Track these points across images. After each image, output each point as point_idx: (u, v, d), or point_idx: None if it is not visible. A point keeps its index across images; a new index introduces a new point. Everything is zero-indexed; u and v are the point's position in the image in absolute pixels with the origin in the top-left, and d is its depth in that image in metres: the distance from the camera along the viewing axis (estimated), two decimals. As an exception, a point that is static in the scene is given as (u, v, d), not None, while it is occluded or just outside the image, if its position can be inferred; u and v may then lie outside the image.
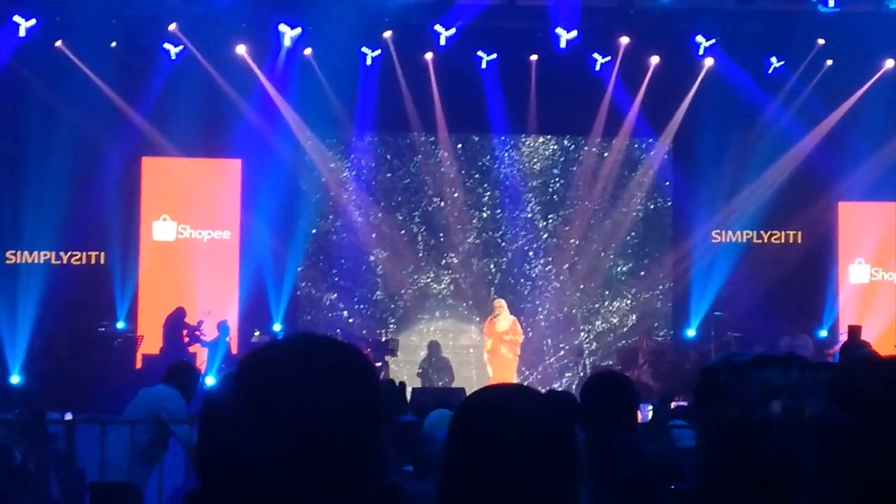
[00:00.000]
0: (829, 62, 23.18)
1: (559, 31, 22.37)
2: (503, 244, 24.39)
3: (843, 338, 21.97)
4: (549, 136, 24.58)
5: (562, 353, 24.09)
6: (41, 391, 19.14)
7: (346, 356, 2.22)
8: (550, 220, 24.43)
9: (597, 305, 24.40)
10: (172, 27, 22.23)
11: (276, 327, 22.78)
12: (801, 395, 2.65)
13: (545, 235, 24.40)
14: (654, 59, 23.37)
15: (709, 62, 23.23)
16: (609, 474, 5.79)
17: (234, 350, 21.84)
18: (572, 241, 24.30)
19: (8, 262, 22.60)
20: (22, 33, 21.73)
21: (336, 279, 24.03)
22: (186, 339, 21.27)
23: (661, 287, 24.50)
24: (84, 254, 22.87)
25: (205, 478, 2.18)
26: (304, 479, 2.07)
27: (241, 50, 22.76)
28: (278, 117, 23.32)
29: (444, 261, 24.27)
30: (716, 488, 2.99)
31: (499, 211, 24.44)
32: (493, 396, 2.86)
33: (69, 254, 22.80)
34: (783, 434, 2.67)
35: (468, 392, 4.03)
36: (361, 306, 24.04)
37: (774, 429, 2.80)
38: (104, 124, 22.39)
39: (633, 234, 24.56)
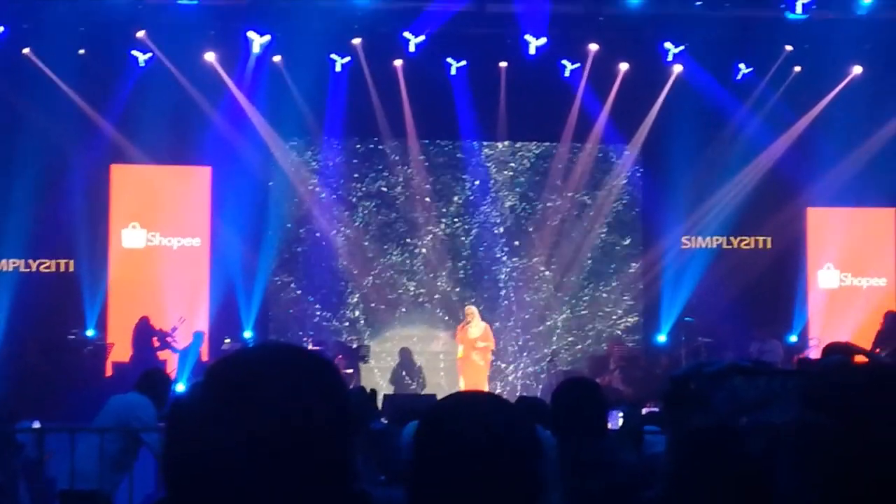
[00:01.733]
0: (798, 68, 23.27)
1: (528, 37, 22.39)
2: (473, 250, 24.39)
3: (813, 343, 22.11)
4: (518, 143, 24.61)
5: (532, 359, 24.10)
6: (10, 399, 19.03)
7: (313, 364, 2.23)
8: (519, 226, 24.45)
9: (567, 311, 24.43)
10: (141, 34, 22.16)
11: (247, 334, 22.73)
12: (770, 405, 2.66)
13: (515, 241, 24.43)
14: (623, 66, 23.42)
15: (677, 68, 23.29)
16: (580, 482, 5.80)
17: (205, 357, 21.77)
18: (542, 246, 24.33)
19: (-24, 270, 22.52)
20: (-10, 40, 21.66)
21: (307, 286, 24.00)
22: (157, 345, 21.19)
23: (631, 293, 24.54)
24: (53, 261, 22.78)
25: (172, 485, 2.18)
26: (272, 487, 2.07)
27: (209, 57, 22.72)
28: (247, 124, 23.29)
29: (414, 267, 24.27)
30: (684, 495, 3.00)
31: (468, 217, 24.46)
32: (462, 402, 2.86)
33: (38, 261, 22.71)
34: (753, 443, 2.68)
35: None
36: (332, 313, 24.01)
37: (744, 437, 2.80)
38: (72, 132, 22.31)
39: (602, 240, 24.59)
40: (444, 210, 24.42)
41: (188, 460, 2.11)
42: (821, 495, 2.21)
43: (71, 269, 22.77)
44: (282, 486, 2.08)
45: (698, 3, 21.66)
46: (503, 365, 23.65)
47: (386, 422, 12.11)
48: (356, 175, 24.36)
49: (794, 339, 23.30)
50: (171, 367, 20.94)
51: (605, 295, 24.49)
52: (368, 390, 10.89)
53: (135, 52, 22.35)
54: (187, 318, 21.85)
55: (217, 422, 2.09)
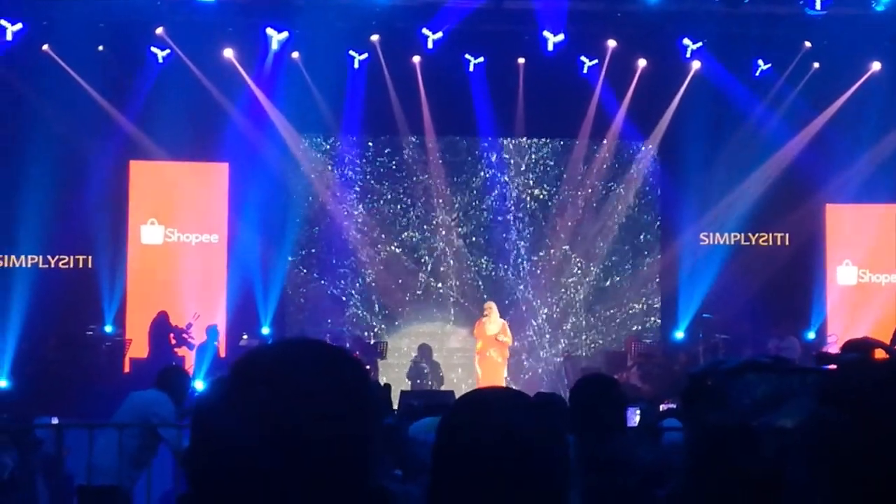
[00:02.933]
0: (816, 65, 23.22)
1: (546, 34, 22.38)
2: (491, 247, 24.39)
3: (831, 339, 22.06)
4: (536, 139, 24.60)
5: (551, 355, 24.10)
6: (29, 395, 19.12)
7: (338, 360, 2.22)
8: (538, 222, 24.44)
9: (585, 307, 24.41)
10: (159, 31, 22.20)
11: (265, 331, 22.74)
12: (786, 402, 2.65)
13: (533, 237, 24.41)
14: (642, 62, 23.39)
15: (696, 65, 23.25)
16: (599, 480, 5.79)
17: (223, 354, 21.81)
18: (560, 243, 24.32)
19: (-5, 265, 22.59)
20: (8, 37, 21.67)
21: (324, 282, 24.02)
22: (174, 342, 21.24)
23: (649, 289, 24.52)
24: (72, 258, 22.83)
25: (196, 482, 2.18)
26: (295, 483, 2.08)
27: (228, 53, 22.75)
28: (266, 121, 23.31)
29: (432, 263, 24.27)
30: (699, 492, 2.99)
31: (486, 214, 24.45)
32: (482, 400, 2.85)
33: (57, 258, 22.75)
34: (766, 444, 2.67)
35: (457, 395, 4.03)
36: (350, 309, 24.03)
37: (758, 438, 2.80)
38: (91, 128, 22.34)
39: (620, 236, 24.57)
40: (461, 206, 24.41)
41: (212, 457, 2.12)
42: (834, 491, 2.21)
43: (89, 265, 22.81)
44: (305, 482, 2.08)
45: (717, -1, 21.63)
46: (521, 361, 23.63)
47: (401, 418, 12.13)
48: (374, 171, 24.37)
49: (812, 335, 23.25)
50: (189, 363, 21.00)
51: (623, 291, 24.46)
52: (383, 384, 10.89)
53: (153, 49, 22.38)
54: (205, 315, 21.90)
55: (243, 418, 2.09)
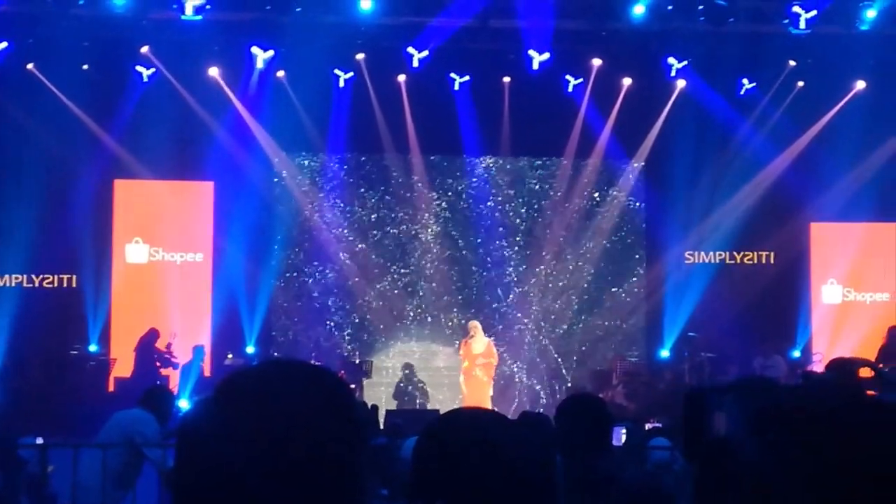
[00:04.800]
0: (801, 83, 23.28)
1: (532, 52, 22.40)
2: (477, 265, 24.39)
3: (817, 358, 22.09)
4: (521, 158, 24.62)
5: (535, 374, 24.08)
6: (13, 415, 19.03)
7: (325, 380, 2.22)
8: (523, 242, 24.45)
9: (570, 326, 24.41)
10: (144, 50, 22.19)
11: (250, 350, 22.73)
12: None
13: (518, 256, 24.42)
14: (627, 81, 23.44)
15: (681, 84, 23.31)
16: (586, 500, 5.78)
17: (207, 373, 21.77)
18: (545, 261, 24.33)
19: (-21, 285, 22.54)
20: (-6, 56, 21.68)
21: (309, 301, 24.00)
22: (158, 363, 21.20)
23: (634, 308, 24.52)
24: (56, 277, 22.78)
25: (180, 502, 2.17)
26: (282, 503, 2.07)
27: (213, 72, 22.75)
28: (251, 139, 23.32)
29: (417, 282, 24.26)
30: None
31: (471, 232, 24.45)
32: (461, 420, 2.84)
33: (41, 277, 22.70)
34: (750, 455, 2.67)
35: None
36: (335, 328, 24.01)
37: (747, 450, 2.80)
38: (76, 147, 22.35)
39: (605, 255, 24.58)
40: (447, 225, 24.41)
41: (198, 476, 2.11)
42: None
43: (74, 284, 22.78)
44: (292, 496, 2.07)
45: (702, 18, 21.65)
46: (506, 380, 23.61)
47: (387, 437, 12.12)
48: (359, 190, 24.37)
49: (797, 354, 23.29)
50: (174, 382, 20.96)
51: (608, 310, 24.46)
52: (370, 406, 10.90)
53: (139, 68, 22.37)
54: (190, 334, 21.88)
55: (228, 438, 2.08)
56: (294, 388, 2.16)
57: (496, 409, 3.07)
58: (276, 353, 22.59)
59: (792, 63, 22.96)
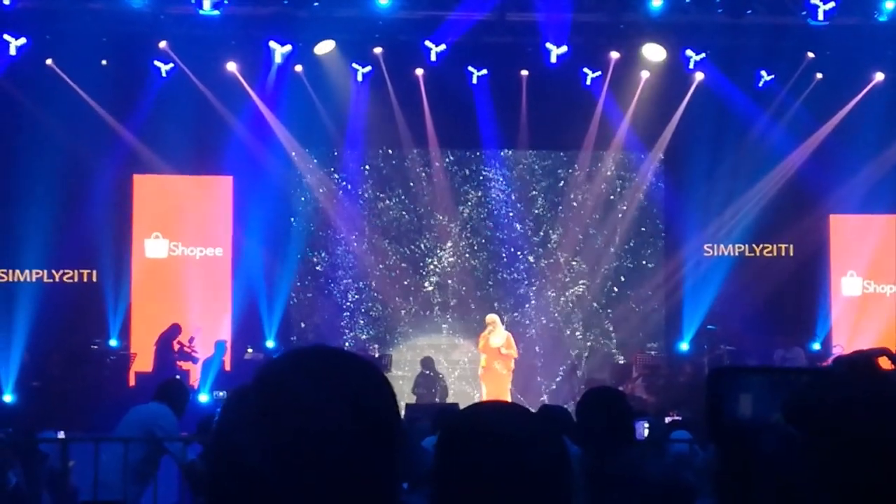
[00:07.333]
0: (819, 75, 23.21)
1: (549, 46, 22.35)
2: (495, 259, 24.38)
3: (837, 350, 22.03)
4: (540, 151, 24.60)
5: (555, 368, 24.07)
6: (34, 410, 19.09)
7: (367, 367, 2.18)
8: (542, 235, 24.44)
9: (589, 319, 24.39)
10: (163, 45, 22.20)
11: (269, 344, 22.74)
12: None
13: (537, 249, 24.41)
14: (645, 74, 23.39)
15: (699, 76, 23.24)
16: (606, 494, 5.76)
17: (227, 367, 21.80)
18: (564, 255, 24.32)
19: (0, 280, 22.59)
20: (13, 52, 21.68)
21: (328, 295, 24.02)
22: (177, 356, 21.24)
23: (653, 301, 24.49)
24: (76, 272, 22.84)
25: (215, 497, 2.14)
26: (319, 494, 2.05)
27: (231, 67, 22.76)
28: (269, 134, 23.33)
29: (436, 276, 24.27)
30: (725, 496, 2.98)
31: (490, 225, 24.45)
32: (483, 414, 2.84)
33: (61, 272, 22.76)
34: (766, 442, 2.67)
35: (462, 407, 4.02)
36: (354, 322, 24.03)
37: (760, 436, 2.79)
38: (95, 142, 22.39)
39: (624, 248, 24.56)
40: (465, 218, 24.42)
41: (234, 471, 2.08)
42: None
43: (94, 279, 22.84)
44: (328, 492, 2.05)
45: (720, 10, 21.61)
46: (526, 373, 23.58)
47: (407, 429, 12.11)
48: (378, 184, 24.38)
49: (817, 346, 23.23)
50: (194, 377, 21.01)
51: (627, 302, 24.44)
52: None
53: (157, 63, 22.38)
54: (210, 328, 21.92)
55: (263, 432, 2.06)
56: (336, 374, 2.13)
57: (516, 403, 3.05)
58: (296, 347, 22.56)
59: (810, 55, 22.88)
